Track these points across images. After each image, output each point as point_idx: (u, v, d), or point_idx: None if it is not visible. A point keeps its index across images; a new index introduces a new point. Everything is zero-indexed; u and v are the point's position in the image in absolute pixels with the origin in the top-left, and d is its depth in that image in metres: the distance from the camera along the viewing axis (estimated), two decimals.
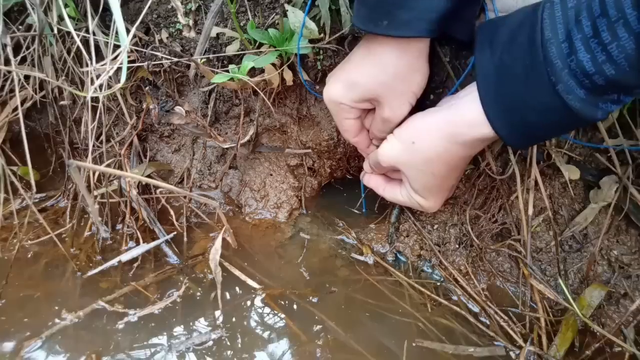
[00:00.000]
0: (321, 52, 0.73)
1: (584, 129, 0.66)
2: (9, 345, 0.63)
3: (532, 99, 0.46)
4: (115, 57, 0.50)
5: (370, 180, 0.71)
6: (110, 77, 0.82)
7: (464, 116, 0.52)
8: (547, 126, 0.48)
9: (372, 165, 0.67)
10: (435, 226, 0.80)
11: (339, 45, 0.72)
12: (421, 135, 0.56)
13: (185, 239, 0.83)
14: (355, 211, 0.91)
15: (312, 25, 0.66)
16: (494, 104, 0.49)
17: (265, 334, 0.66)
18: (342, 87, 0.60)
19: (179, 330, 0.67)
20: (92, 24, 0.73)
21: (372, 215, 0.89)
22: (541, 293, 0.66)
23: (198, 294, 0.73)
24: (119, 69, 0.54)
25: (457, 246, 0.78)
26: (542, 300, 0.66)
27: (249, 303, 0.71)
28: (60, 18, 0.78)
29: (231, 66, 0.71)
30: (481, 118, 0.50)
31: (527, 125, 0.48)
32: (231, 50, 0.76)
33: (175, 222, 0.84)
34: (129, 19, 0.82)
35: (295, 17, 0.67)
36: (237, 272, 0.75)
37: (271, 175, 0.91)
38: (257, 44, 0.72)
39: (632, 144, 0.62)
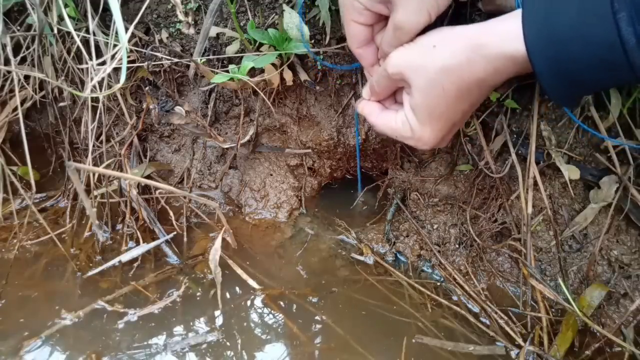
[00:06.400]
0: (321, 51, 0.73)
1: (584, 130, 0.66)
2: (8, 345, 0.63)
3: (584, 27, 0.41)
4: (114, 55, 0.50)
5: (365, 106, 0.62)
6: (110, 77, 0.82)
7: (498, 28, 0.47)
8: (588, 65, 0.43)
9: (375, 82, 0.59)
10: (435, 226, 0.80)
11: (339, 46, 0.72)
12: (445, 40, 0.50)
13: (185, 239, 0.83)
14: (358, 206, 0.91)
15: (305, 29, 0.66)
16: (537, 25, 0.44)
17: (265, 334, 0.66)
18: None
19: (178, 330, 0.67)
20: (92, 24, 0.73)
21: (373, 216, 0.89)
22: (542, 293, 0.66)
23: (198, 293, 0.73)
24: (119, 69, 0.54)
25: (457, 246, 0.78)
26: (543, 300, 0.66)
27: (248, 303, 0.71)
28: (60, 18, 0.78)
29: (231, 66, 0.71)
30: (517, 32, 0.45)
31: (567, 59, 0.43)
32: (231, 50, 0.76)
33: (175, 222, 0.84)
34: (129, 19, 0.82)
35: (291, 18, 0.67)
36: (238, 270, 0.75)
37: (271, 175, 0.91)
38: (257, 44, 0.73)
39: (633, 144, 0.62)
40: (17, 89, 0.77)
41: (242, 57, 0.71)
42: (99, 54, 0.75)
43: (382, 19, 0.56)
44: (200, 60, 0.73)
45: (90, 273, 0.74)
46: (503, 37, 0.46)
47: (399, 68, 0.53)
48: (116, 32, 0.56)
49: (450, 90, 0.50)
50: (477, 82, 0.49)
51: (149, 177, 0.89)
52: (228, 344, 0.65)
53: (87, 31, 0.76)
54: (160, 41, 0.82)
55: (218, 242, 0.71)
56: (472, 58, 0.48)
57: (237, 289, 0.74)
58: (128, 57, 0.74)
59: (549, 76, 0.45)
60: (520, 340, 0.63)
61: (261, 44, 0.71)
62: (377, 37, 0.58)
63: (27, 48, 0.85)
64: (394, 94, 0.60)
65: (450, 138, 0.61)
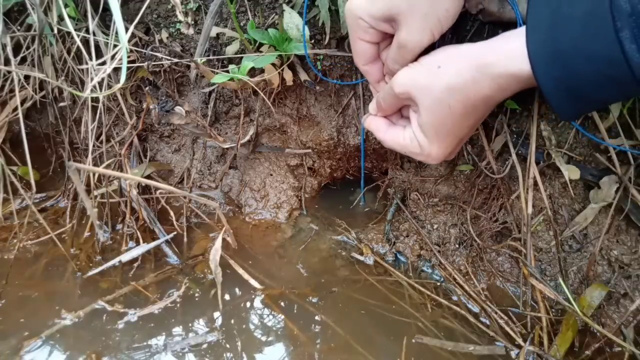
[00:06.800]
0: (321, 57, 0.73)
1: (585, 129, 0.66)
2: (8, 345, 0.63)
3: (588, 46, 0.42)
4: (114, 55, 0.50)
5: (372, 122, 0.63)
6: (110, 77, 0.82)
7: (503, 47, 0.48)
8: (594, 81, 0.43)
9: (382, 99, 0.60)
10: (435, 226, 0.80)
11: (339, 46, 0.72)
12: (449, 59, 0.51)
13: (185, 239, 0.83)
14: (358, 206, 0.91)
15: (306, 31, 0.66)
16: (540, 43, 0.44)
17: (265, 335, 0.66)
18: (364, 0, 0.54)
19: (178, 330, 0.67)
20: (92, 24, 0.73)
21: (373, 216, 0.89)
22: (542, 292, 0.66)
23: (198, 294, 0.73)
24: (119, 69, 0.54)
25: (457, 246, 0.78)
26: (543, 300, 0.66)
27: (248, 303, 0.71)
28: (60, 18, 0.78)
29: (231, 66, 0.71)
30: (521, 50, 0.46)
31: (572, 76, 0.44)
32: (231, 50, 0.76)
33: (175, 222, 0.84)
34: (129, 19, 0.82)
35: (291, 18, 0.66)
36: (240, 270, 0.75)
37: (271, 175, 0.91)
38: (257, 44, 0.73)
39: (633, 144, 0.62)
40: (17, 89, 0.77)
41: (242, 57, 0.71)
42: (99, 54, 0.75)
43: (388, 37, 0.57)
44: (201, 60, 0.73)
45: (90, 273, 0.74)
46: (508, 56, 0.47)
47: (406, 87, 0.54)
48: (116, 32, 0.56)
49: (456, 108, 0.51)
50: (483, 99, 0.50)
51: (149, 177, 0.89)
52: (228, 344, 0.65)
53: (87, 31, 0.76)
54: (160, 41, 0.82)
55: (218, 242, 0.71)
56: (477, 77, 0.48)
57: (237, 289, 0.74)
58: (128, 57, 0.74)
59: (554, 93, 0.45)
60: (520, 340, 0.64)
61: (261, 44, 0.71)
62: (382, 54, 0.59)
63: (27, 48, 0.85)
64: (399, 109, 0.61)
65: (457, 151, 0.62)
